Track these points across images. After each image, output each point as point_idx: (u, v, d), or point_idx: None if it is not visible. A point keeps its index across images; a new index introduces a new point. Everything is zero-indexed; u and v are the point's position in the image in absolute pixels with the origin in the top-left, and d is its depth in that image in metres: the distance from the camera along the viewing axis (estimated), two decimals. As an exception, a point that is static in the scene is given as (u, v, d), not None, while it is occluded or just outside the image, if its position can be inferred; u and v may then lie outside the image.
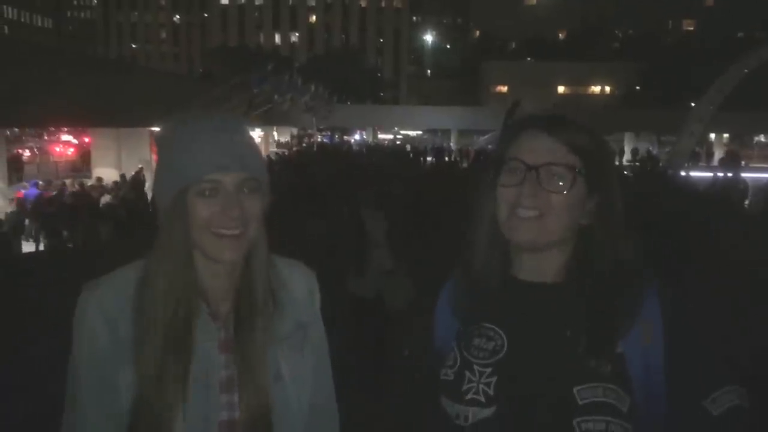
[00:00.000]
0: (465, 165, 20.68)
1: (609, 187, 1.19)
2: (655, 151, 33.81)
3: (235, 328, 1.24)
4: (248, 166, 1.20)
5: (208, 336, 1.21)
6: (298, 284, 1.36)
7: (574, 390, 1.09)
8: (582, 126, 1.20)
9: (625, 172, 19.84)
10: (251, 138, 1.25)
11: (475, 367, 1.18)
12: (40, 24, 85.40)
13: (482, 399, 1.15)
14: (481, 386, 1.16)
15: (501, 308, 1.22)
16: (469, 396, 1.16)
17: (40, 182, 15.58)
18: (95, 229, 11.40)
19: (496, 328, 1.21)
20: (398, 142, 44.74)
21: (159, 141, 1.25)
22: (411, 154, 25.74)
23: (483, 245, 1.26)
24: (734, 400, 1.07)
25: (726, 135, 39.12)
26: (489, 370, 1.17)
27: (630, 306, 1.13)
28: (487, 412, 1.14)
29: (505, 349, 1.18)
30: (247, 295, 1.26)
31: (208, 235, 1.18)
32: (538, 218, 1.16)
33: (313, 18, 75.53)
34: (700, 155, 32.35)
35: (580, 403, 1.08)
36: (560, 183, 1.15)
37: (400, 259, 4.77)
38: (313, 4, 75.14)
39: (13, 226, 11.92)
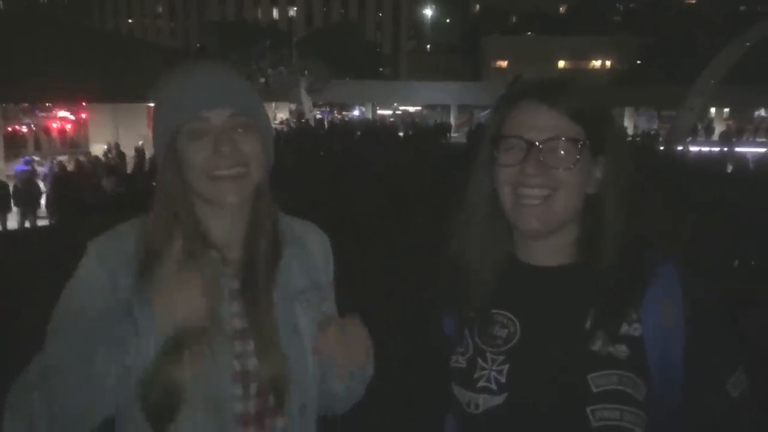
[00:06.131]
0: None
1: (615, 151, 1.14)
2: (655, 126, 33.61)
3: (242, 277, 1.21)
4: (237, 102, 1.17)
5: (217, 284, 1.17)
6: (314, 244, 1.34)
7: (588, 377, 1.06)
8: (582, 89, 1.14)
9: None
10: (242, 78, 1.23)
11: (488, 354, 1.15)
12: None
13: (493, 386, 1.12)
14: (492, 374, 1.13)
15: (513, 294, 1.18)
16: (481, 384, 1.13)
17: (36, 158, 15.52)
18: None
19: (510, 315, 1.17)
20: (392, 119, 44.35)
21: (155, 96, 1.23)
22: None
23: (478, 230, 1.21)
24: (745, 381, 1.08)
25: (726, 110, 38.91)
26: (502, 357, 1.14)
27: (639, 277, 1.09)
28: (498, 399, 1.11)
29: (518, 336, 1.15)
30: (253, 243, 1.23)
31: (204, 179, 1.15)
32: (547, 199, 1.10)
33: (312, -8, 74.44)
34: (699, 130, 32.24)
35: (594, 390, 1.05)
36: (566, 158, 1.09)
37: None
38: (312, -23, 74.00)
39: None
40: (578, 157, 1.09)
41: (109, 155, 17.78)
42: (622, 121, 35.63)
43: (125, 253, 1.17)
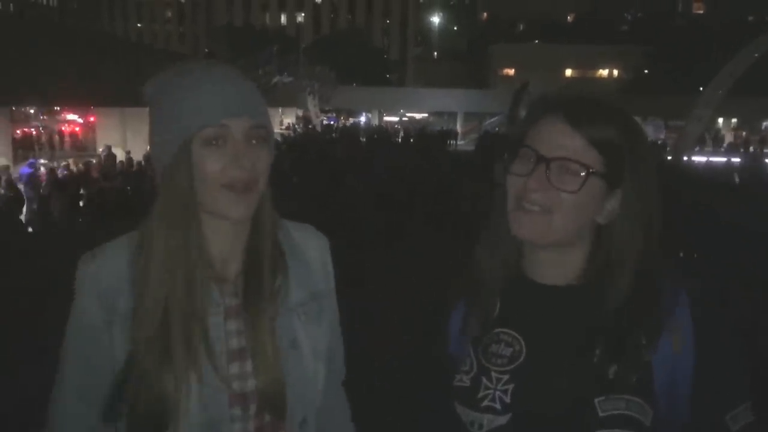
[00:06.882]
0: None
1: (635, 185, 1.08)
2: (662, 136, 33.57)
3: (243, 292, 1.15)
4: (256, 112, 1.12)
5: (212, 301, 1.13)
6: (311, 248, 1.28)
7: (595, 401, 1.03)
8: (612, 114, 1.08)
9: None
10: (254, 86, 1.18)
11: (493, 373, 1.13)
12: (44, 2, 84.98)
13: (498, 406, 1.09)
14: (497, 393, 1.10)
15: (519, 312, 1.16)
16: (485, 403, 1.11)
17: (41, 160, 15.60)
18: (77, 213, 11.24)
19: (515, 334, 1.14)
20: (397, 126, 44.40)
21: (155, 92, 1.14)
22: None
23: (494, 239, 1.18)
24: (749, 417, 1.06)
25: (734, 120, 38.84)
26: (506, 377, 1.11)
27: (657, 318, 1.06)
28: (503, 420, 1.09)
29: (523, 355, 1.12)
30: (255, 255, 1.17)
31: (216, 190, 1.09)
32: (544, 214, 1.07)
33: (320, -2, 74.87)
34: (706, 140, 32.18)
35: (601, 415, 1.03)
36: (570, 181, 1.05)
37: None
38: (320, -17, 74.41)
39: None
40: (583, 184, 1.05)
41: (102, 157, 17.92)
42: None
43: (122, 272, 1.12)
